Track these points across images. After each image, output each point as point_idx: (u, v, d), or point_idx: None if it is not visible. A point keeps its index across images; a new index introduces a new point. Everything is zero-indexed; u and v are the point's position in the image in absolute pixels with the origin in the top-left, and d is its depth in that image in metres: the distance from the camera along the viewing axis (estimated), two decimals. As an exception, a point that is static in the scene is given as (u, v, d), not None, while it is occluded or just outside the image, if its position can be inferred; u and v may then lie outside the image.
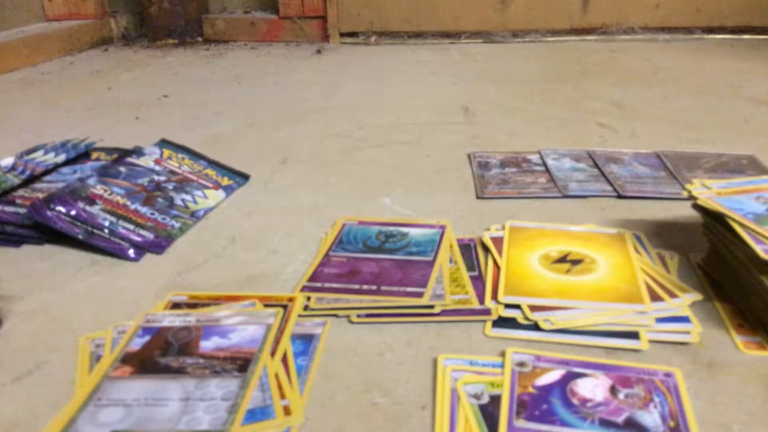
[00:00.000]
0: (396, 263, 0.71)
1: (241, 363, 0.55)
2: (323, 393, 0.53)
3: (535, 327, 0.60)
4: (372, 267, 0.71)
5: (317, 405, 0.52)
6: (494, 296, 0.65)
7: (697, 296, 0.63)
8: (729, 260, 0.63)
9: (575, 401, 0.50)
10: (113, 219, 0.80)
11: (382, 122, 1.28)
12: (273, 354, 0.56)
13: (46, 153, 0.98)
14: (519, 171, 0.99)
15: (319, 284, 0.68)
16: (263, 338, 0.58)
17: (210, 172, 0.99)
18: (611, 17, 2.08)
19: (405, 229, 0.80)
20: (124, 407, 0.51)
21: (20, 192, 0.87)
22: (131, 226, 0.80)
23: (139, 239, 0.79)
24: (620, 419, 0.48)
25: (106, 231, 0.78)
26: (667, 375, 0.53)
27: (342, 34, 2.15)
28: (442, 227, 0.79)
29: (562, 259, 0.71)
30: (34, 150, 1.00)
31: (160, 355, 0.57)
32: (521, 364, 0.54)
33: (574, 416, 0.49)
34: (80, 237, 0.77)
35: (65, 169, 0.96)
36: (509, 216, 0.83)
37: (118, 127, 1.28)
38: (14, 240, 0.80)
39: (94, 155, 1.02)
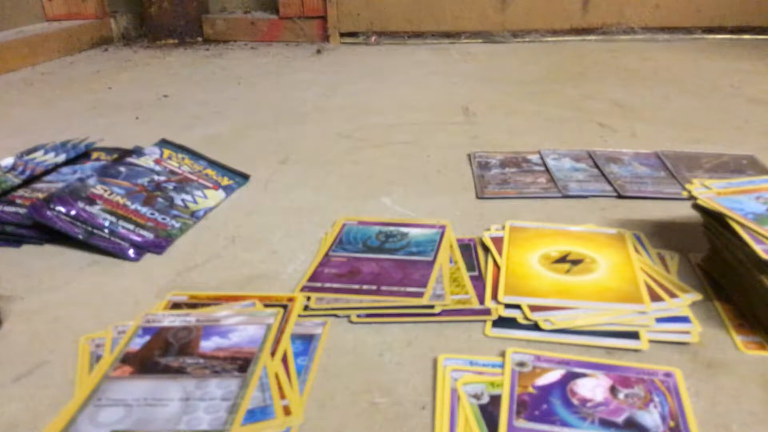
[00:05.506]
0: (396, 263, 0.71)
1: (241, 363, 0.55)
2: (323, 393, 0.53)
3: (535, 327, 0.60)
4: (372, 267, 0.71)
5: (317, 405, 0.52)
6: (494, 296, 0.65)
7: (697, 296, 0.63)
8: (729, 260, 0.63)
9: (575, 401, 0.50)
10: (113, 219, 0.80)
11: (382, 122, 1.28)
12: (273, 354, 0.56)
13: (46, 153, 0.98)
14: (519, 171, 0.99)
15: (319, 284, 0.68)
16: (263, 338, 0.58)
17: (210, 172, 0.99)
18: (611, 17, 2.08)
19: (405, 229, 0.80)
20: (124, 407, 0.51)
21: (20, 192, 0.87)
22: (131, 226, 0.80)
23: (139, 239, 0.79)
24: (620, 419, 0.48)
25: (106, 231, 0.78)
26: (667, 375, 0.53)
27: (342, 34, 2.15)
28: (442, 227, 0.79)
29: (562, 259, 0.71)
30: (34, 150, 1.00)
31: (160, 355, 0.57)
32: (521, 364, 0.54)
33: (574, 416, 0.49)
34: (80, 237, 0.77)
35: (65, 169, 0.95)
36: (509, 216, 0.83)
37: (118, 127, 1.28)
38: (14, 240, 0.80)
39: (94, 155, 1.02)
